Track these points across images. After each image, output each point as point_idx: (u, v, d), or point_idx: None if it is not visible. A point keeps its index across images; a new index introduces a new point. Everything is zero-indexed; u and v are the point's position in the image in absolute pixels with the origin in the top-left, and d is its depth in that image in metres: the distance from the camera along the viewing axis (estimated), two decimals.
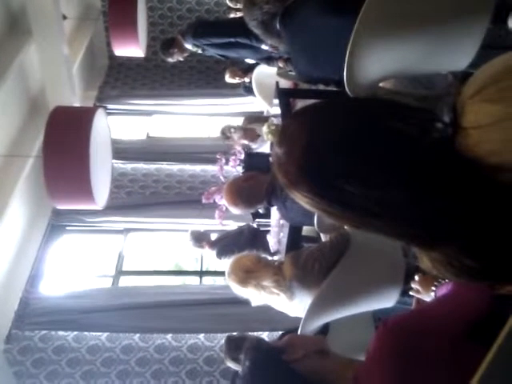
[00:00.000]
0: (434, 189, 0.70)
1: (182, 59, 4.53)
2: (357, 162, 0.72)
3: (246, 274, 2.10)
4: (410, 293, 1.47)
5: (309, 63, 1.83)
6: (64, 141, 2.77)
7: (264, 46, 3.18)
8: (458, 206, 0.70)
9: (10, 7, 4.09)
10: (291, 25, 1.76)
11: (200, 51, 4.23)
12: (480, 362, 0.81)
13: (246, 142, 4.59)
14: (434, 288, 1.28)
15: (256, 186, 2.36)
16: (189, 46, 4.22)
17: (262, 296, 2.10)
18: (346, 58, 1.36)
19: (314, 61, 1.79)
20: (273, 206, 2.36)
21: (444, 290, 1.15)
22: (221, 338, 3.89)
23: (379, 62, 1.33)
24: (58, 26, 4.23)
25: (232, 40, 3.80)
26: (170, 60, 4.48)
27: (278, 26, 1.81)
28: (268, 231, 4.00)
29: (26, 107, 4.46)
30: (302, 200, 0.79)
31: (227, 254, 2.28)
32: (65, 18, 4.57)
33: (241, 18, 3.46)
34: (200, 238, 4.03)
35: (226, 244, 3.79)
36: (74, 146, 2.74)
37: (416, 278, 1.44)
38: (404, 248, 2.01)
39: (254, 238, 3.77)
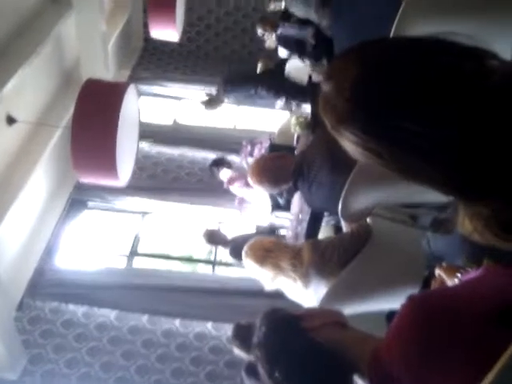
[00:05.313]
0: (489, 132, 0.65)
1: None
2: (408, 95, 0.68)
3: (264, 253, 2.09)
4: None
5: (350, 40, 1.78)
6: (93, 113, 2.77)
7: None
8: None
9: None
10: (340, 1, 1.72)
11: None
12: (506, 347, 0.77)
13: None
14: (459, 274, 1.23)
15: (284, 165, 2.30)
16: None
17: (277, 279, 2.08)
18: (391, 35, 1.32)
19: (355, 39, 1.74)
20: (297, 188, 2.31)
21: (472, 275, 1.10)
22: (228, 329, 3.86)
23: None
24: (99, 1, 4.26)
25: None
26: None
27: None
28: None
29: (59, 78, 4.48)
30: (348, 141, 0.75)
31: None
32: None
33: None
34: (214, 238, 3.89)
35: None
36: (102, 119, 2.74)
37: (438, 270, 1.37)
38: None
39: None
